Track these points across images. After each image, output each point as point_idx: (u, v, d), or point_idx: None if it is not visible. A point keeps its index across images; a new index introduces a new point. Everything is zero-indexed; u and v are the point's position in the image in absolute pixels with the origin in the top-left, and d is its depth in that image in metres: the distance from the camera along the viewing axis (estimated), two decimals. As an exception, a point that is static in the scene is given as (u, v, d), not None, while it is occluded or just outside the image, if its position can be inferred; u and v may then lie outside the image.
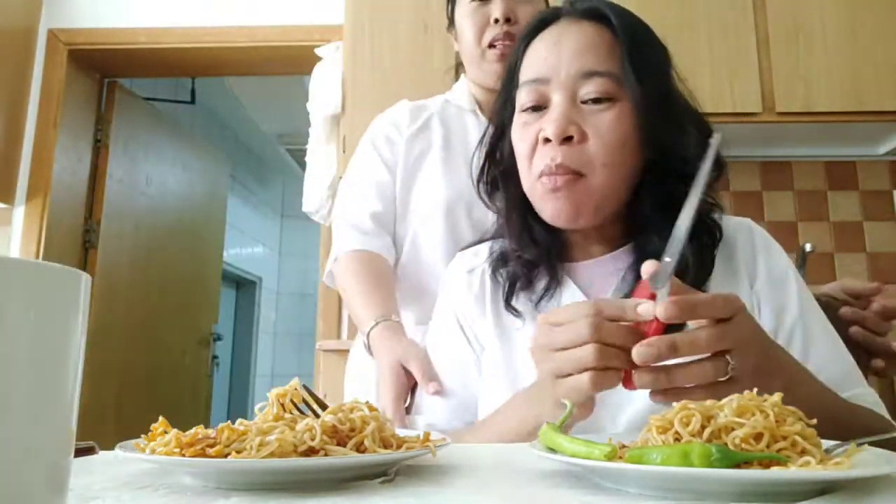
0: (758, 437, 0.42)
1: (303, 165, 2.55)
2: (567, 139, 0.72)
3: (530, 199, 0.78)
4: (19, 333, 0.25)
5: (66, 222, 2.72)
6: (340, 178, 2.17)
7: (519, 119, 0.78)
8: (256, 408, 0.51)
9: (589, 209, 0.74)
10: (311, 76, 2.41)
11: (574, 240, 0.81)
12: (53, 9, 2.72)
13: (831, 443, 0.47)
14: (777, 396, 0.46)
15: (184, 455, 0.44)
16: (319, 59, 2.42)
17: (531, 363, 0.61)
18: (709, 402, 0.46)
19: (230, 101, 4.35)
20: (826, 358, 0.73)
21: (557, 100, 0.74)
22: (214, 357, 3.86)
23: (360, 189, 1.21)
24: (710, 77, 2.29)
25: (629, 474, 0.42)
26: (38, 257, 2.51)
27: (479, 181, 0.86)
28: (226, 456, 0.44)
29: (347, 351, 2.24)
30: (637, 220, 0.77)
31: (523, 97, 0.77)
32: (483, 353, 0.83)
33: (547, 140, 0.73)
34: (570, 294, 0.78)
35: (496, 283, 0.83)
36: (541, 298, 0.78)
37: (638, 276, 0.58)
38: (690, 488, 0.40)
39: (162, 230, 3.34)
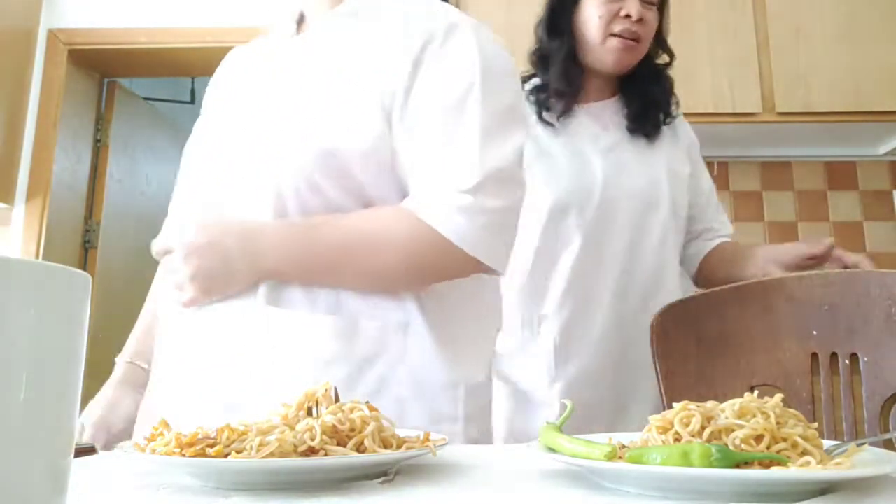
0: (758, 438, 0.42)
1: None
2: (640, 20, 1.20)
3: (594, 50, 1.22)
4: (20, 333, 0.25)
5: (66, 222, 2.72)
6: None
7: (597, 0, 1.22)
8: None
9: (634, 63, 1.24)
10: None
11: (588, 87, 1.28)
12: (53, 9, 2.71)
13: (831, 443, 0.47)
14: (778, 398, 0.46)
15: (184, 455, 0.44)
16: (319, 59, 2.42)
17: None
18: (709, 404, 0.46)
19: (230, 101, 4.35)
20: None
21: None
22: (214, 357, 3.85)
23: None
24: (710, 77, 2.29)
25: (629, 474, 0.42)
26: (38, 257, 2.51)
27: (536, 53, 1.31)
28: (226, 456, 0.44)
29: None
30: (624, 82, 1.28)
31: None
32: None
33: (628, 16, 1.18)
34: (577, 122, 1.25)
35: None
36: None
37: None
38: (690, 488, 0.40)
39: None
